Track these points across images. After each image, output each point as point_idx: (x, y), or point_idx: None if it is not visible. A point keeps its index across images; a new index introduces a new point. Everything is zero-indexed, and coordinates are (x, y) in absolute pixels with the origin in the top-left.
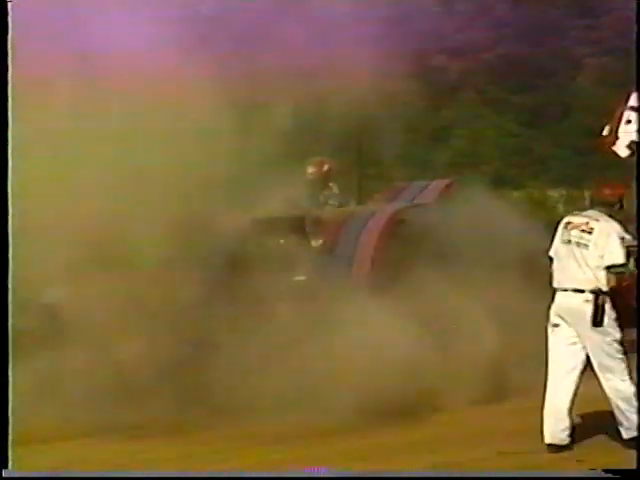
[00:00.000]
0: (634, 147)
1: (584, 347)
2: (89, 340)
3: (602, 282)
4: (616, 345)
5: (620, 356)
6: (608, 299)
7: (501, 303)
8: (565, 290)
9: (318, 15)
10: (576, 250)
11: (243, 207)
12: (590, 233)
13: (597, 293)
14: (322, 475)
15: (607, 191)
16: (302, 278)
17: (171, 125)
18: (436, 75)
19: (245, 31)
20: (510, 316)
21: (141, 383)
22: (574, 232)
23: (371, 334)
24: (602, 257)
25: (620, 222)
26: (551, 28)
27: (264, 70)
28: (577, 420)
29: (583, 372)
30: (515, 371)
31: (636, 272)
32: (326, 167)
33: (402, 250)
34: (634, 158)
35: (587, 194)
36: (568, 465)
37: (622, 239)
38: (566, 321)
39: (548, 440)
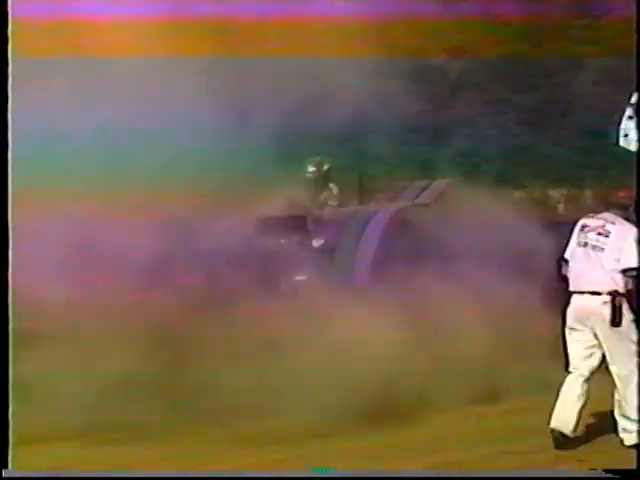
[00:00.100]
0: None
1: (601, 350)
2: (82, 341)
3: (619, 284)
4: (633, 347)
5: (637, 359)
6: (625, 300)
7: (500, 303)
8: (582, 293)
9: (318, 15)
10: (592, 253)
11: (243, 207)
12: (607, 236)
13: (614, 294)
14: (322, 475)
15: (622, 194)
16: (303, 278)
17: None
18: (436, 74)
19: (245, 30)
20: (509, 316)
21: (136, 384)
22: (590, 235)
23: (370, 333)
24: (618, 260)
25: (637, 225)
26: (552, 28)
27: (264, 70)
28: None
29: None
30: (515, 371)
31: None
32: (326, 167)
33: (403, 250)
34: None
35: (588, 193)
36: (568, 465)
37: (639, 242)
38: (583, 324)
39: (553, 424)
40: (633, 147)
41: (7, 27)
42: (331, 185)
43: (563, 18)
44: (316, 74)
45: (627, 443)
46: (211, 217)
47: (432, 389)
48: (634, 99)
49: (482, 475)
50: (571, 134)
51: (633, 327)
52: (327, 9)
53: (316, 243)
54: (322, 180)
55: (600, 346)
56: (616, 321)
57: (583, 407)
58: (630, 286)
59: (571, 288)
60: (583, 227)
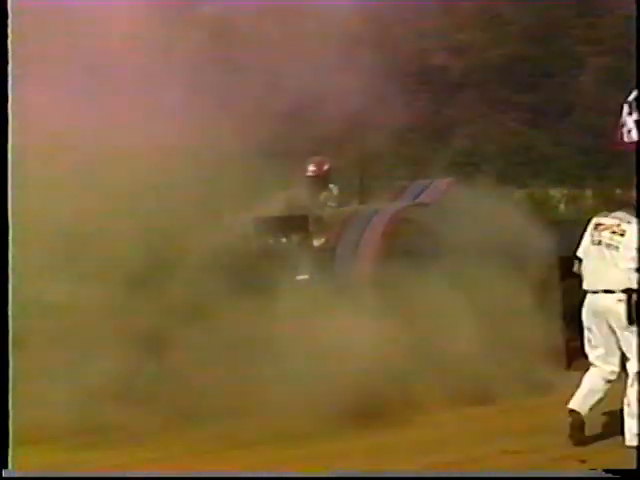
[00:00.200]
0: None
1: (619, 348)
2: (77, 341)
3: (633, 282)
4: None
5: None
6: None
7: (500, 303)
8: (596, 292)
9: (318, 14)
10: (606, 251)
11: (243, 207)
12: (622, 235)
13: (629, 292)
14: (322, 475)
15: (634, 193)
16: (305, 277)
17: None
18: (437, 74)
19: (244, 29)
20: (507, 316)
21: (134, 384)
22: (605, 233)
23: (369, 333)
24: (633, 259)
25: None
26: (553, 27)
27: (263, 69)
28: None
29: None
30: (514, 372)
31: None
32: (326, 167)
33: (404, 249)
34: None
35: (589, 193)
36: (568, 465)
37: None
38: (599, 322)
39: (571, 405)
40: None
41: (7, 27)
42: (331, 186)
43: (563, 18)
44: (316, 73)
45: (628, 444)
46: (211, 217)
47: (433, 389)
48: (632, 97)
49: (482, 475)
50: (571, 134)
51: None
52: (327, 9)
53: (317, 243)
54: (322, 180)
55: (618, 344)
56: (632, 319)
57: (598, 402)
58: None
59: (585, 287)
60: (597, 225)
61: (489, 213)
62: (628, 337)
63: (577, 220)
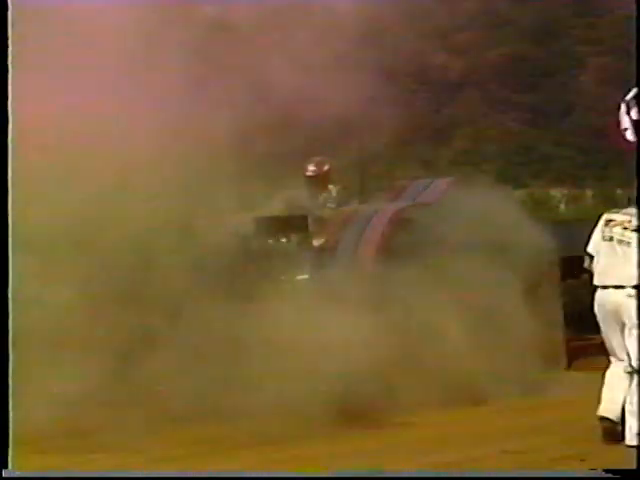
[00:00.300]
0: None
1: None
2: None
3: None
4: None
5: None
6: None
7: (498, 303)
8: (605, 287)
9: (319, 13)
10: (618, 247)
11: (243, 207)
12: (634, 231)
13: (639, 288)
14: (322, 475)
15: None
16: (305, 277)
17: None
18: (438, 74)
19: (245, 28)
20: (507, 315)
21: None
22: (616, 229)
23: (363, 333)
24: None
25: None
26: (553, 27)
27: (263, 69)
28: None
29: None
30: (514, 372)
31: None
32: (326, 167)
33: (404, 249)
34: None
35: (589, 193)
36: (568, 465)
37: None
38: (610, 318)
39: (601, 412)
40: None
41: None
42: (330, 187)
43: (563, 18)
44: (316, 73)
45: (628, 443)
46: (211, 217)
47: (431, 389)
48: (630, 96)
49: (482, 475)
50: (571, 134)
51: None
52: (327, 8)
53: (317, 243)
54: (322, 180)
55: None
56: None
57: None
58: None
59: (595, 282)
60: (608, 222)
61: (489, 213)
62: (634, 333)
63: (577, 220)
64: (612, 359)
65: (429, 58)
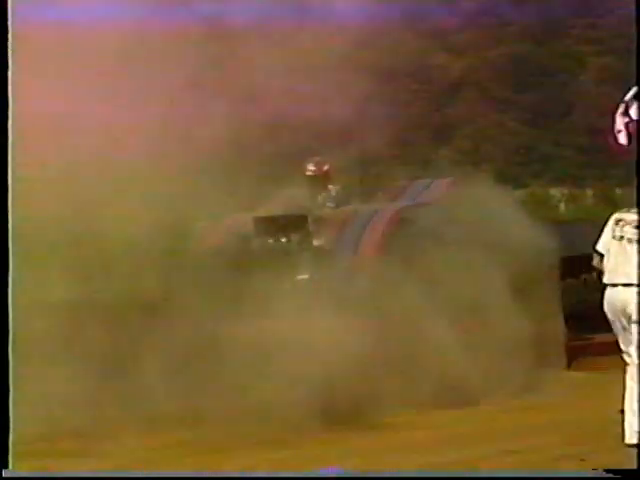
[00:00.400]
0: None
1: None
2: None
3: None
4: None
5: None
6: None
7: (497, 303)
8: (615, 285)
9: (319, 13)
10: (628, 246)
11: (243, 207)
12: (637, 228)
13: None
14: (322, 475)
15: None
16: (304, 277)
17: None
18: (438, 73)
19: (245, 28)
20: (505, 315)
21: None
22: (627, 229)
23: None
24: None
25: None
26: (553, 27)
27: (264, 69)
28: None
29: None
30: (514, 372)
31: None
32: (326, 167)
33: (404, 249)
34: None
35: (589, 193)
36: (568, 465)
37: None
38: (619, 316)
39: (629, 440)
40: (624, 141)
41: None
42: (330, 187)
43: (563, 18)
44: (316, 73)
45: (627, 441)
46: (210, 217)
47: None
48: (628, 96)
49: (482, 475)
50: (572, 133)
51: None
52: (327, 8)
53: (317, 242)
54: (321, 180)
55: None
56: None
57: None
58: None
59: (605, 281)
60: (618, 221)
61: (489, 213)
62: (634, 330)
63: (577, 220)
64: (626, 358)
65: (429, 58)
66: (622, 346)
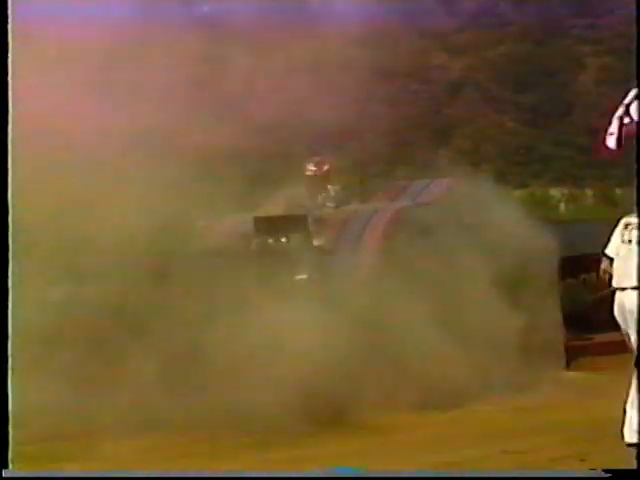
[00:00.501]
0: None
1: None
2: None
3: None
4: None
5: None
6: None
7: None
8: (624, 289)
9: (319, 13)
10: (637, 249)
11: (243, 207)
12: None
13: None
14: (322, 475)
15: None
16: (304, 277)
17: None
18: (437, 73)
19: (246, 28)
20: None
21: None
22: (635, 232)
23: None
24: None
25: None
26: (553, 27)
27: (263, 68)
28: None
29: None
30: (514, 372)
31: None
32: (326, 167)
33: (403, 249)
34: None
35: (589, 193)
36: (568, 465)
37: None
38: (628, 319)
39: (628, 439)
40: (612, 145)
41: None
42: (329, 187)
43: (563, 18)
44: (316, 73)
45: (626, 440)
46: (210, 217)
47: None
48: (629, 98)
49: (482, 475)
50: (572, 133)
51: None
52: (327, 9)
53: (317, 242)
54: (321, 180)
55: None
56: None
57: None
58: None
59: (614, 284)
60: (627, 225)
61: (488, 213)
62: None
63: (577, 220)
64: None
65: (429, 58)
66: (632, 349)
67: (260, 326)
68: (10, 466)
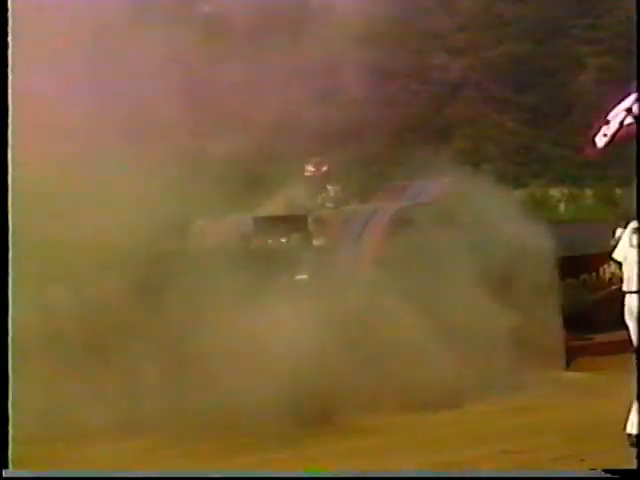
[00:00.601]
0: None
1: None
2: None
3: None
4: None
5: None
6: None
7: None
8: (632, 293)
9: (319, 13)
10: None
11: (243, 207)
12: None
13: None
14: (322, 475)
15: None
16: (304, 277)
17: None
18: (437, 74)
19: (246, 28)
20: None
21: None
22: None
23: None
24: None
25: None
26: (552, 27)
27: (263, 68)
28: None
29: None
30: (514, 372)
31: None
32: (325, 168)
33: (403, 249)
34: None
35: (589, 193)
36: (568, 465)
37: None
38: (637, 321)
39: (630, 430)
40: (601, 145)
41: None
42: (329, 187)
43: (563, 18)
44: (316, 73)
45: (627, 430)
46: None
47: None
48: (629, 102)
49: (482, 475)
50: (572, 133)
51: None
52: (327, 9)
53: (317, 242)
54: (320, 181)
55: None
56: None
57: None
58: None
59: (624, 288)
60: (635, 230)
61: (488, 213)
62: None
63: (576, 220)
64: None
65: (429, 58)
66: None
67: (259, 326)
68: (10, 466)
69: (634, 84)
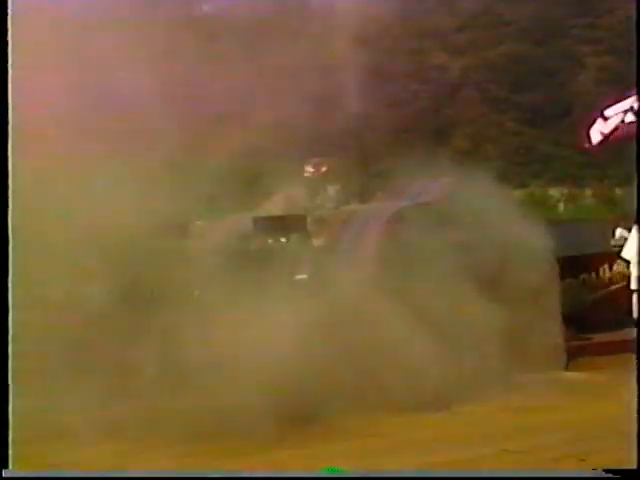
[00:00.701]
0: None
1: None
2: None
3: None
4: None
5: None
6: None
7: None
8: None
9: (319, 13)
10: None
11: (245, 206)
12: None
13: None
14: (322, 475)
15: None
16: (303, 277)
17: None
18: (437, 73)
19: (248, 28)
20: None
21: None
22: None
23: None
24: None
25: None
26: (552, 27)
27: (264, 69)
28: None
29: None
30: (514, 372)
31: None
32: (324, 168)
33: (403, 249)
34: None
35: (589, 193)
36: (568, 465)
37: None
38: None
39: None
40: (595, 141)
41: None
42: (329, 187)
43: (563, 18)
44: (316, 73)
45: None
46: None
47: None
48: (628, 103)
49: (482, 475)
50: (571, 133)
51: None
52: (327, 9)
53: (317, 242)
54: (320, 181)
55: None
56: None
57: None
58: None
59: (632, 287)
60: None
61: (488, 213)
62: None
63: (576, 220)
64: None
65: (429, 58)
66: None
67: (259, 325)
68: (10, 466)
69: (634, 84)
